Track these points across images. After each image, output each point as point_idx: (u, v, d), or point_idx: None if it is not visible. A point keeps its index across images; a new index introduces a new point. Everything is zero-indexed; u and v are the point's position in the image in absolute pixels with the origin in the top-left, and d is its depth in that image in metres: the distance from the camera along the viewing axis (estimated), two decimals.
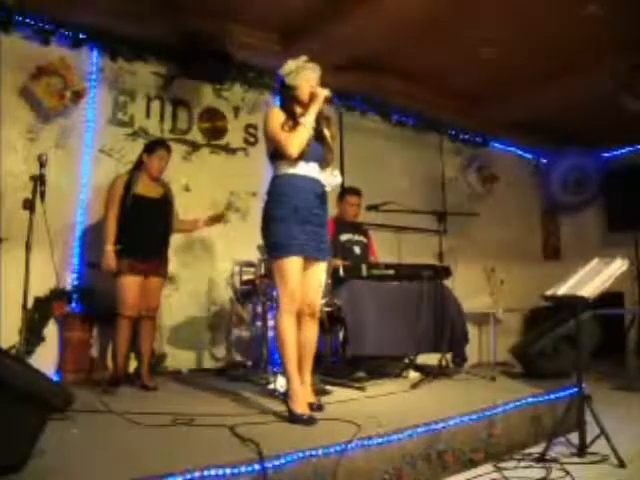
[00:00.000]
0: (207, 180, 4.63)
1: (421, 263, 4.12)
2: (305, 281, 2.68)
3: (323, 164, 2.76)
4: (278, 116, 2.67)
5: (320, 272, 2.74)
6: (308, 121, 2.63)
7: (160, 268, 3.60)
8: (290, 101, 2.75)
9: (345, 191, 4.32)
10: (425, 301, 3.84)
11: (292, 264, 2.58)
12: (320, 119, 2.76)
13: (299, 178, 2.65)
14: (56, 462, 1.89)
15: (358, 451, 2.13)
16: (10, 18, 3.87)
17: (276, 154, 2.69)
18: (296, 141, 2.59)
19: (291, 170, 2.65)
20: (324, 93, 2.68)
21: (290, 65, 2.75)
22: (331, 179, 2.78)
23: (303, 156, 2.64)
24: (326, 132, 2.80)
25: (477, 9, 4.08)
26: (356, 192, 4.31)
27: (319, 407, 2.65)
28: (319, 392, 2.94)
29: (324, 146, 2.76)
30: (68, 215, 4.04)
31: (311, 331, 2.74)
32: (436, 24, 4.25)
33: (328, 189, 2.81)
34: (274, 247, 2.63)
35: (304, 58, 2.76)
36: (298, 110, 2.72)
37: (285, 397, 2.62)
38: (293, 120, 2.66)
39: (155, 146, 3.64)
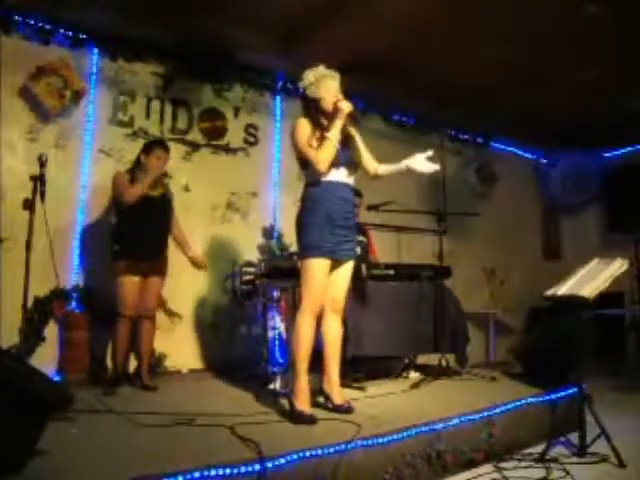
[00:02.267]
0: (207, 180, 4.63)
1: (421, 263, 4.12)
2: (332, 279, 2.75)
3: (352, 168, 2.80)
4: (305, 129, 2.71)
5: (347, 270, 2.81)
6: (334, 135, 2.67)
7: (159, 268, 3.59)
8: (315, 113, 2.78)
9: None
10: (425, 301, 3.85)
11: (319, 265, 2.64)
12: (347, 126, 2.79)
13: (331, 185, 2.71)
14: (56, 462, 1.89)
15: (358, 451, 2.13)
16: (10, 18, 3.88)
17: (306, 163, 2.73)
18: (324, 158, 2.64)
19: (324, 178, 2.70)
20: (348, 108, 2.70)
21: (309, 77, 2.77)
22: (425, 165, 2.88)
23: (333, 164, 2.69)
24: (354, 134, 2.86)
25: (477, 10, 4.07)
26: (358, 194, 4.32)
27: (349, 409, 2.66)
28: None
29: (352, 150, 2.82)
30: (68, 215, 4.04)
31: (335, 328, 2.78)
32: (436, 25, 4.24)
33: (419, 170, 2.90)
34: (305, 248, 2.70)
35: (322, 67, 2.79)
36: (324, 122, 2.76)
37: (289, 394, 2.62)
38: (320, 131, 2.70)
39: (153, 146, 3.64)
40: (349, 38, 4.42)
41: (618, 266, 2.88)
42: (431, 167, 2.93)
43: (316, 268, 2.65)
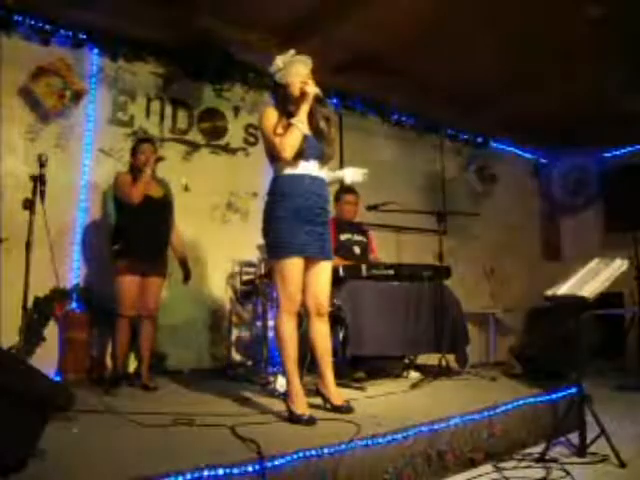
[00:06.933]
0: (207, 180, 4.63)
1: (421, 263, 4.12)
2: (310, 281, 2.67)
3: (323, 160, 2.73)
4: (272, 117, 2.65)
5: (325, 272, 2.72)
6: (299, 121, 2.59)
7: (160, 268, 3.60)
8: (283, 99, 2.71)
9: (341, 191, 4.32)
10: (425, 301, 3.85)
11: (292, 265, 2.57)
12: (317, 114, 2.72)
13: (299, 177, 2.63)
14: (56, 462, 1.89)
15: (358, 451, 2.13)
16: (10, 18, 3.88)
17: (274, 156, 2.67)
18: (288, 144, 2.56)
19: (291, 170, 2.63)
20: (313, 91, 2.63)
21: (278, 62, 2.69)
22: (358, 176, 2.91)
23: (302, 155, 2.61)
24: (322, 125, 2.74)
25: (477, 11, 4.07)
26: (352, 191, 4.31)
27: (349, 408, 2.64)
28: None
29: (323, 142, 2.73)
30: (68, 215, 4.04)
31: (322, 331, 2.73)
32: (436, 25, 4.25)
33: (348, 181, 2.93)
34: (274, 248, 2.62)
35: (292, 52, 2.71)
36: (291, 108, 2.67)
37: (285, 397, 2.62)
38: (287, 119, 2.63)
39: (135, 146, 3.67)
40: (349, 38, 4.43)
41: (618, 266, 2.88)
42: (358, 177, 2.97)
43: (288, 268, 2.56)
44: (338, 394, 2.72)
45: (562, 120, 5.89)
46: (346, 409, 2.62)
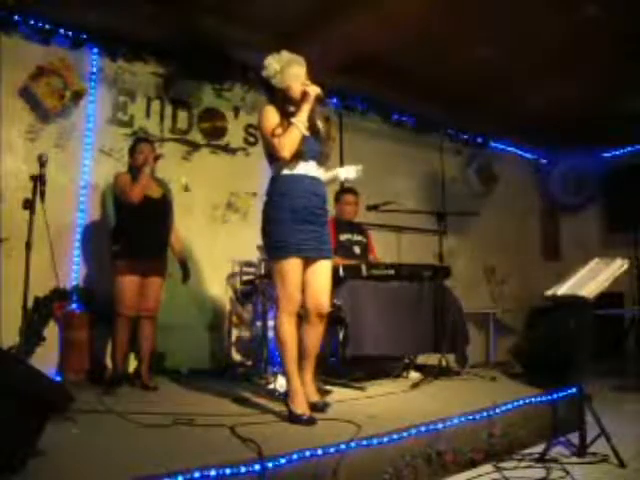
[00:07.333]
0: (207, 180, 4.63)
1: (421, 263, 4.12)
2: (310, 281, 2.67)
3: (321, 160, 2.74)
4: (271, 117, 2.63)
5: (324, 271, 2.71)
6: (300, 121, 2.59)
7: (159, 268, 3.60)
8: (283, 102, 2.69)
9: (341, 191, 4.33)
10: (425, 301, 3.85)
11: (291, 266, 2.57)
12: (315, 115, 2.72)
13: (298, 178, 2.63)
14: (56, 462, 1.89)
15: (358, 451, 2.13)
16: (10, 18, 3.88)
17: (272, 155, 2.67)
18: (288, 144, 2.55)
19: (290, 170, 2.63)
20: (315, 92, 2.64)
21: (274, 65, 2.66)
22: (352, 172, 2.87)
23: (301, 155, 2.62)
24: (319, 124, 2.75)
25: (476, 11, 4.07)
26: (352, 191, 4.31)
27: (324, 406, 2.65)
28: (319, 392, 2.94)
29: (321, 142, 2.74)
30: (68, 215, 4.03)
31: (317, 331, 2.72)
32: (436, 25, 4.25)
33: (342, 178, 2.91)
34: (273, 248, 2.63)
35: (285, 52, 2.70)
36: (291, 109, 2.67)
37: (285, 397, 2.62)
38: (287, 120, 2.62)
39: (133, 146, 3.67)
40: (349, 38, 4.42)
41: (618, 266, 2.88)
42: (354, 174, 2.93)
43: (287, 269, 2.56)
44: (316, 391, 2.75)
45: (562, 120, 5.89)
46: (321, 407, 2.64)
